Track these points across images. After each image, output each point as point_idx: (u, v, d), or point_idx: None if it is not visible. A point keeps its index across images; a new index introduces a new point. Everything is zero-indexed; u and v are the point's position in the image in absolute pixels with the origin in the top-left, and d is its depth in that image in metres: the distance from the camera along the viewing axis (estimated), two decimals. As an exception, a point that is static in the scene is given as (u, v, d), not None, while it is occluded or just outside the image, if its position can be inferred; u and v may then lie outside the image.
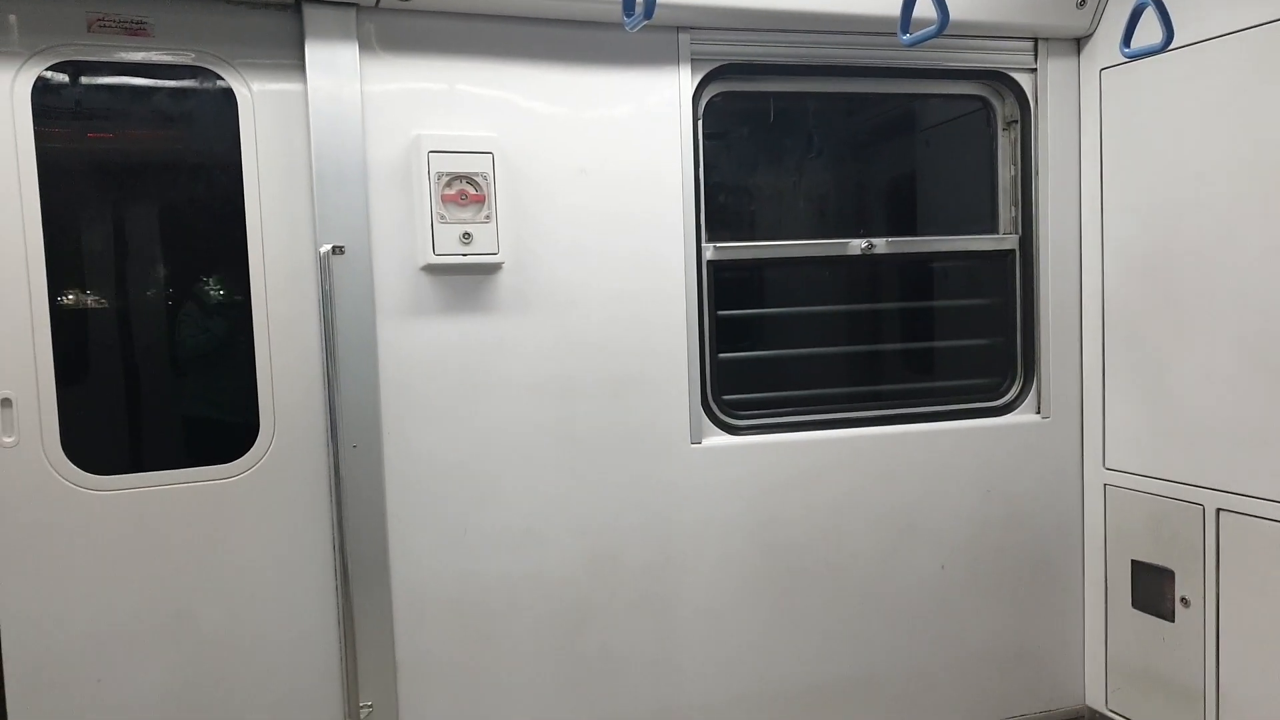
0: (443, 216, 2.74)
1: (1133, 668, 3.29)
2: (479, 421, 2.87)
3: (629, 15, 2.27)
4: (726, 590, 3.15)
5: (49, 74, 2.49)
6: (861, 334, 3.72)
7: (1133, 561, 3.25)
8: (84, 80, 2.59)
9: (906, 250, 3.39)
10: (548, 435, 2.94)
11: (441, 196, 2.73)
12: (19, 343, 2.48)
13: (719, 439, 3.13)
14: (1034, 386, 3.44)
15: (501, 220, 2.80)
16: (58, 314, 2.53)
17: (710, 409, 3.12)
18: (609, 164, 2.94)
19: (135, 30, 2.55)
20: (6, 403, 2.47)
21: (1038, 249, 3.37)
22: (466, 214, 2.76)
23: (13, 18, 2.46)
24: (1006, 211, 3.43)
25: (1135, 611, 3.26)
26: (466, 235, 2.76)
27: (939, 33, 2.34)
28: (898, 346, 3.81)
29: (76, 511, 2.55)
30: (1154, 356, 3.13)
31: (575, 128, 2.91)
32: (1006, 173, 3.42)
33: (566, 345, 2.94)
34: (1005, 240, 3.43)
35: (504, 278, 2.86)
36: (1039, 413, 3.43)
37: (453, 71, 2.79)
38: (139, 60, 2.58)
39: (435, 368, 2.82)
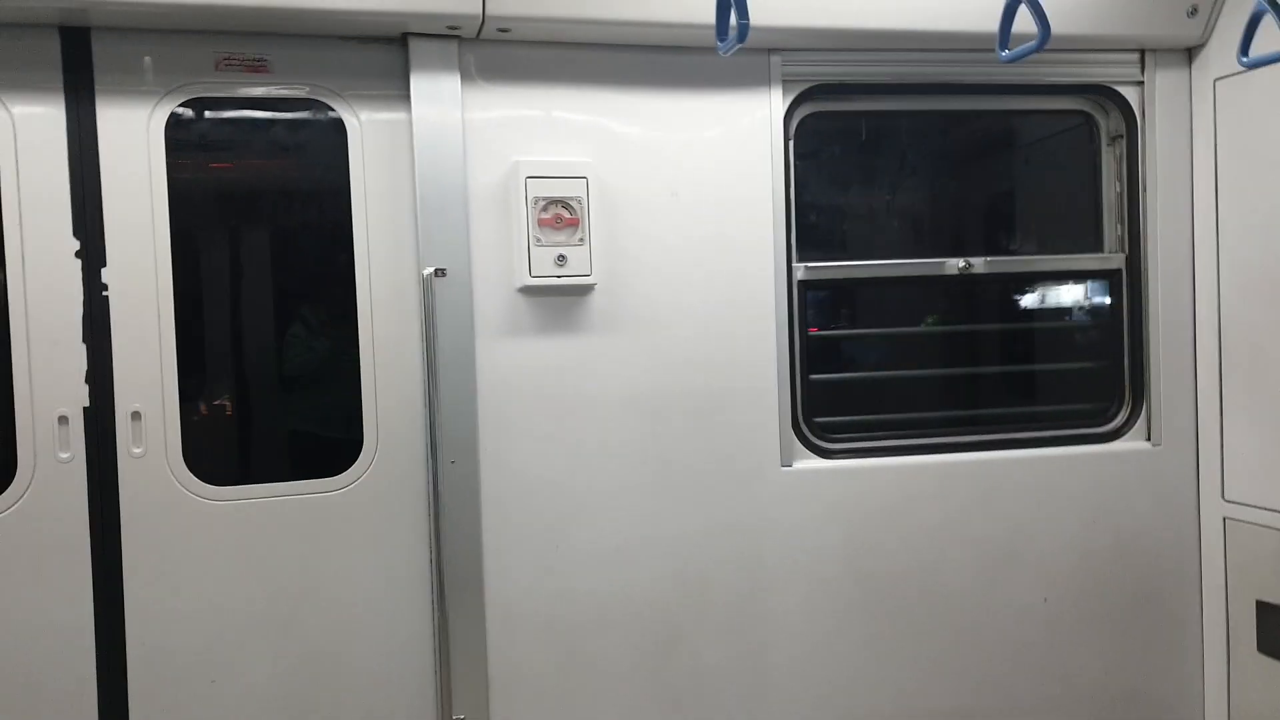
0: (539, 240, 2.82)
1: (1260, 718, 3.08)
2: (570, 440, 2.92)
3: (722, 40, 2.31)
4: (819, 617, 3.10)
5: (180, 110, 2.68)
6: (958, 356, 3.63)
7: (1258, 602, 3.06)
8: (209, 114, 2.77)
9: (1006, 270, 3.31)
10: (637, 455, 2.96)
11: (538, 220, 2.81)
12: (149, 359, 2.65)
13: (810, 462, 3.09)
14: (1144, 412, 3.28)
15: (594, 242, 2.86)
16: (182, 332, 2.69)
17: (801, 431, 3.09)
18: (700, 186, 2.97)
19: (256, 67, 2.72)
20: (136, 415, 2.64)
21: (1146, 268, 3.24)
22: (561, 237, 2.83)
23: (148, 59, 2.66)
24: (1112, 229, 3.31)
25: (1261, 657, 3.05)
26: (561, 258, 2.83)
27: (1040, 48, 2.29)
28: (997, 369, 3.70)
29: (195, 519, 2.69)
30: (1278, 380, 2.96)
31: (667, 151, 2.96)
32: (1111, 189, 3.31)
33: (657, 365, 2.96)
34: (1111, 259, 3.30)
35: (596, 298, 2.92)
36: (1149, 440, 3.28)
37: (549, 99, 2.88)
38: (258, 95, 2.75)
39: (529, 386, 2.88)
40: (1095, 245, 3.33)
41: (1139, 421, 3.29)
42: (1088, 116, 3.31)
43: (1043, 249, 3.44)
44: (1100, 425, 3.32)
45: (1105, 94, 3.24)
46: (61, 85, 2.60)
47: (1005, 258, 3.37)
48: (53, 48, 2.59)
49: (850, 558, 3.10)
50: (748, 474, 3.03)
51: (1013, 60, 2.42)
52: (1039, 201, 3.59)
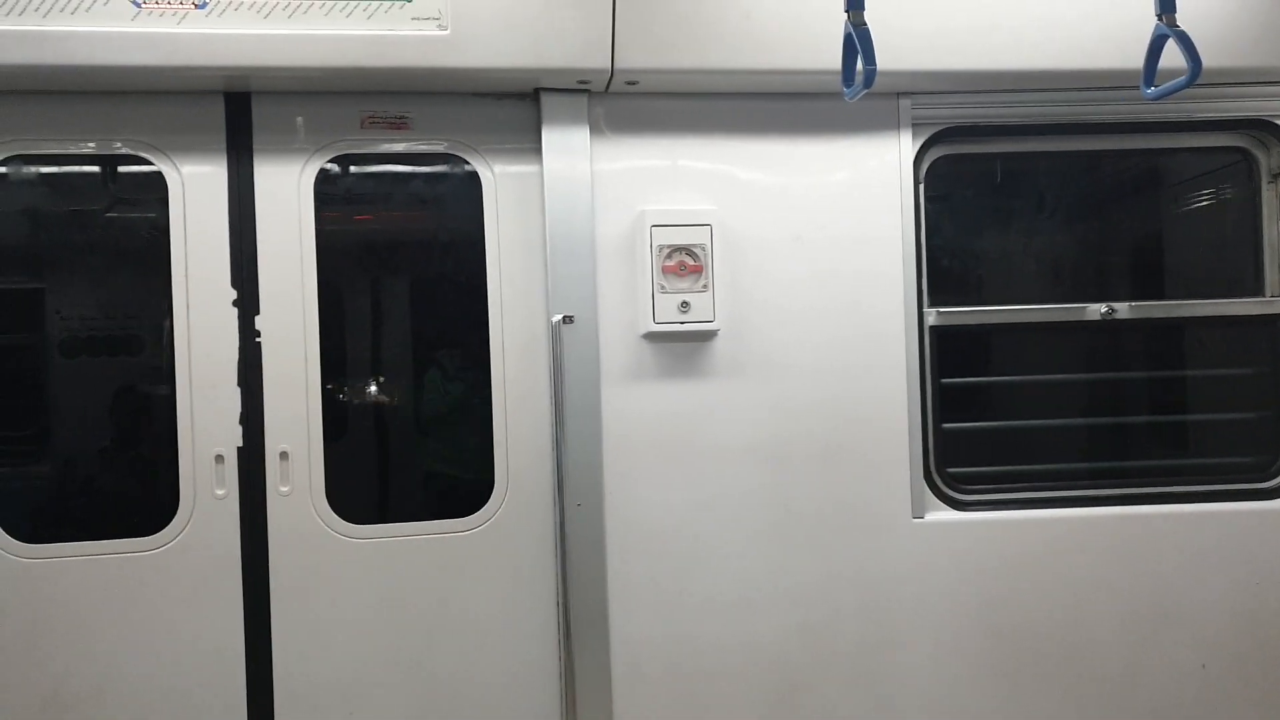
0: (663, 287, 2.85)
1: None
2: (694, 486, 2.91)
3: (849, 86, 2.29)
4: (950, 675, 2.97)
5: (328, 166, 2.85)
6: (1101, 405, 3.45)
7: None
8: (354, 169, 2.93)
9: (1153, 315, 3.13)
10: (761, 503, 2.93)
11: (662, 268, 2.84)
12: (296, 401, 2.80)
13: (943, 514, 2.99)
14: (1311, 467, 3.04)
15: (718, 289, 2.86)
16: (327, 376, 2.83)
17: (934, 482, 2.99)
18: (827, 230, 2.95)
19: (398, 124, 2.86)
20: (284, 455, 2.79)
21: (1313, 312, 3.02)
22: (685, 284, 2.85)
23: (301, 119, 2.84)
24: (1274, 272, 3.10)
25: None
26: (684, 304, 2.85)
27: (1190, 83, 2.19)
28: (1143, 419, 3.49)
29: (336, 555, 2.81)
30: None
31: (792, 196, 2.95)
32: (1273, 229, 3.10)
33: (781, 412, 2.93)
34: (1274, 303, 3.09)
35: (719, 344, 2.92)
36: (1319, 497, 3.03)
37: (675, 148, 2.92)
38: (400, 150, 2.89)
39: (653, 432, 2.90)
40: (1255, 289, 3.12)
41: (1307, 477, 3.05)
42: (1245, 153, 3.12)
43: (1194, 293, 3.24)
44: (1261, 481, 3.09)
45: (1265, 129, 3.05)
46: (224, 146, 2.80)
47: (1153, 303, 3.18)
48: (218, 112, 2.80)
49: (985, 613, 2.97)
50: (876, 524, 2.95)
51: (1159, 97, 2.32)
52: (1190, 243, 3.39)
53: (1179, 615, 3.00)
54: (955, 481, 3.03)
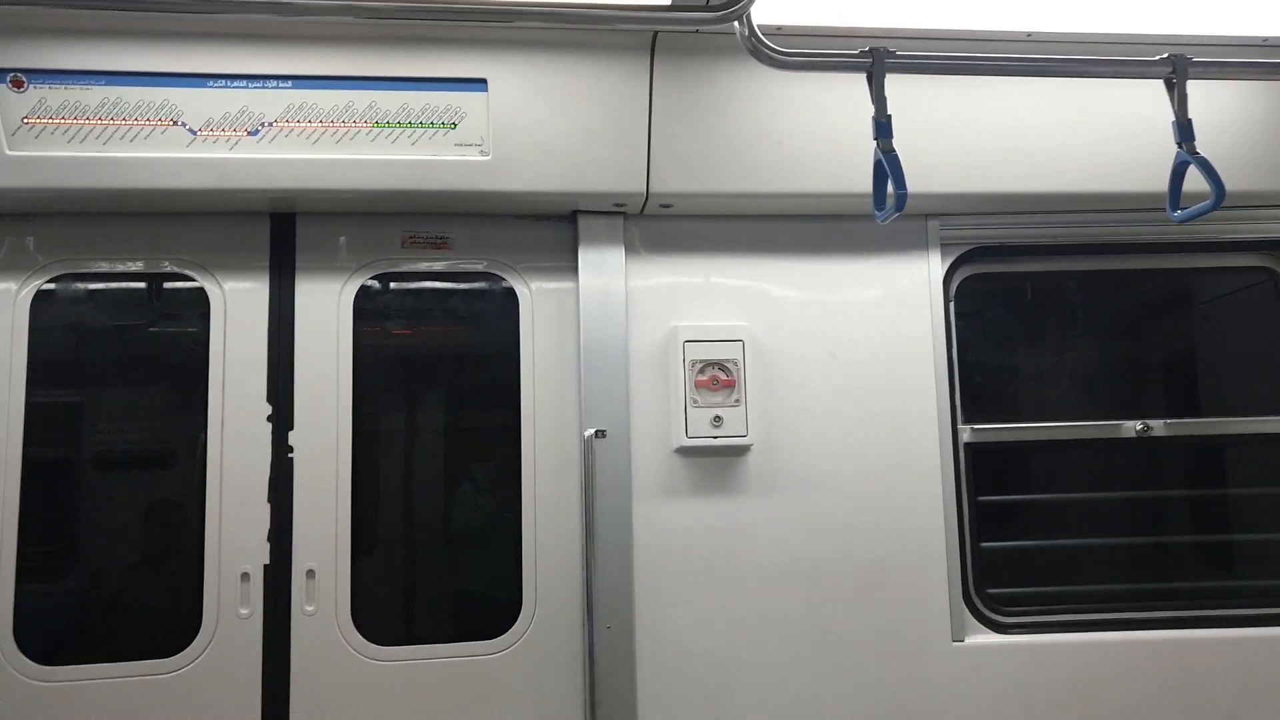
0: (695, 401, 2.85)
1: None
2: (727, 606, 2.84)
3: (879, 209, 2.35)
4: (998, 811, 2.82)
5: (369, 283, 2.91)
6: (1146, 524, 3.37)
7: None
8: (393, 286, 2.98)
9: (1188, 432, 3.10)
10: (796, 624, 2.85)
11: (695, 382, 2.85)
12: (325, 519, 2.77)
13: (984, 637, 2.89)
14: (1366, 589, 2.95)
15: (750, 403, 2.87)
16: (357, 492, 2.81)
17: (973, 603, 2.91)
18: (859, 348, 2.97)
19: (439, 244, 2.94)
20: (311, 574, 2.74)
21: (1350, 430, 2.99)
22: (718, 398, 2.86)
23: (343, 239, 2.91)
24: (1308, 389, 3.09)
25: None
26: (717, 419, 2.85)
27: (1215, 206, 2.24)
28: (1190, 539, 3.41)
29: (360, 677, 2.73)
30: None
31: (824, 313, 2.98)
32: (1303, 347, 3.11)
33: (816, 530, 2.89)
34: (1308, 420, 3.06)
35: (752, 459, 2.90)
36: (1376, 621, 2.93)
37: (708, 266, 2.98)
38: (439, 269, 2.96)
39: (686, 549, 2.85)
40: (1289, 406, 3.10)
41: (1361, 600, 2.95)
42: (1270, 273, 3.16)
43: (1228, 411, 3.23)
44: (1313, 603, 2.99)
45: (1288, 248, 3.10)
46: (268, 264, 2.87)
47: (1188, 420, 3.16)
48: (263, 232, 2.88)
49: (1032, 745, 2.84)
50: (915, 648, 2.85)
51: (1187, 220, 2.37)
52: (1220, 361, 3.39)
53: (1234, 747, 2.86)
54: (995, 603, 2.95)
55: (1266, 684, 2.89)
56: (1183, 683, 2.88)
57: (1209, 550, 3.37)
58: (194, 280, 2.84)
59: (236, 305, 2.83)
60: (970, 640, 2.88)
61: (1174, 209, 2.38)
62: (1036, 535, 3.25)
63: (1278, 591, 3.08)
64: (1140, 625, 2.94)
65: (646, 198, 2.81)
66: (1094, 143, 2.86)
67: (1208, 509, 3.41)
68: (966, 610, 2.90)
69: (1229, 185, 2.23)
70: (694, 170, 2.79)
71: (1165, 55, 2.27)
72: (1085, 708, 2.86)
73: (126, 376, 2.93)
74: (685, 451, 2.86)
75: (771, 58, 2.18)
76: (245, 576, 2.72)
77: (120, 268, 2.86)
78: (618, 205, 2.86)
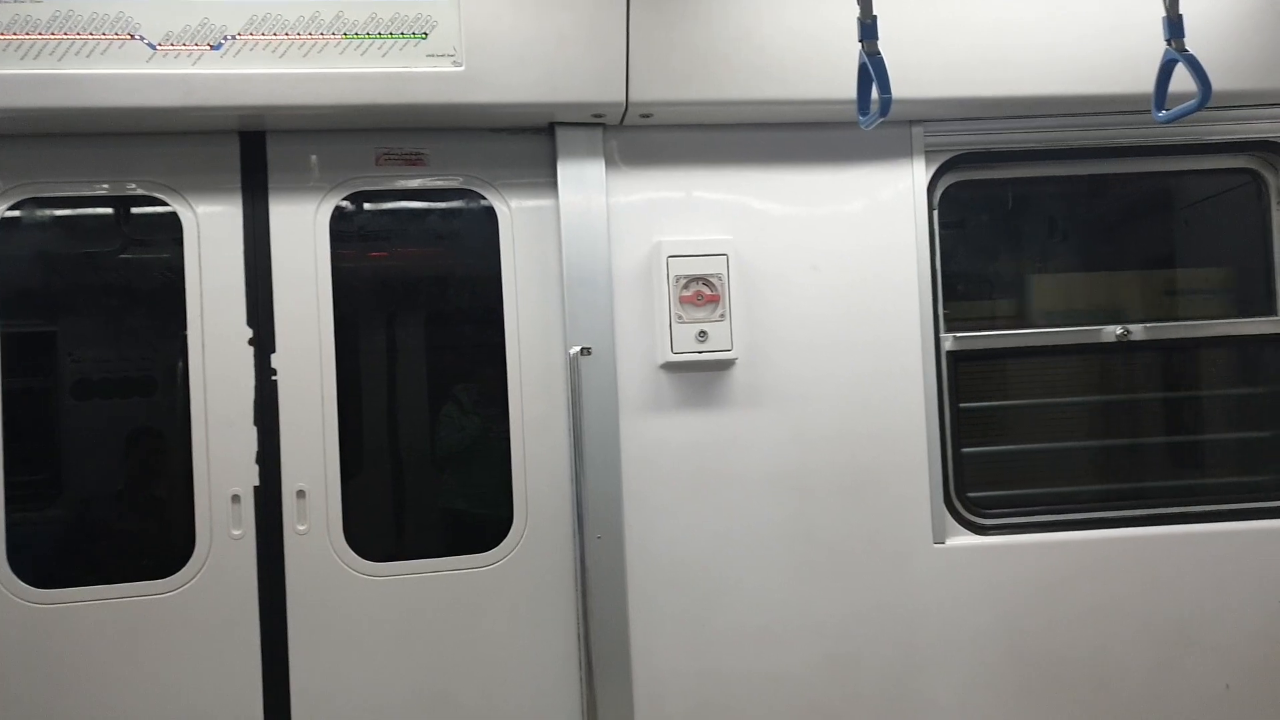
0: (680, 317, 2.84)
1: None
2: (714, 516, 2.90)
3: (864, 114, 2.31)
4: (976, 701, 2.95)
5: (344, 203, 2.84)
6: (1119, 427, 3.45)
7: None
8: (369, 207, 2.92)
9: (1167, 336, 3.15)
10: (783, 532, 2.91)
11: (679, 298, 2.84)
12: (312, 440, 2.77)
13: (964, 539, 2.98)
14: (1331, 484, 3.05)
15: (735, 318, 2.86)
16: (343, 414, 2.81)
17: (954, 507, 2.98)
18: (842, 259, 2.96)
19: (414, 161, 2.87)
20: (301, 494, 2.77)
21: (1327, 330, 3.04)
22: (702, 313, 2.85)
23: (314, 157, 2.84)
24: (1286, 291, 3.13)
25: None
26: (702, 334, 2.85)
27: (1201, 106, 2.22)
28: (1162, 440, 3.50)
29: (354, 593, 2.78)
30: None
31: (807, 225, 2.96)
32: (1285, 249, 3.13)
33: (800, 440, 2.93)
34: (1286, 322, 3.11)
35: (737, 373, 2.91)
36: (1340, 515, 3.04)
37: (690, 180, 2.93)
38: (415, 187, 2.90)
39: (673, 462, 2.89)
40: (1267, 308, 3.14)
41: (1327, 495, 3.05)
42: (1254, 175, 3.15)
43: (1207, 313, 3.27)
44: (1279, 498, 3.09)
45: (1272, 150, 3.09)
46: (239, 185, 2.80)
47: (1166, 323, 3.20)
48: (232, 152, 2.80)
49: (1009, 639, 2.95)
50: (898, 552, 2.94)
51: (1171, 120, 2.35)
52: (1202, 264, 3.42)
53: (1201, 636, 2.99)
54: (975, 506, 3.02)
55: (1232, 576, 3.00)
56: (1151, 577, 2.99)
57: (1179, 451, 3.46)
58: (164, 204, 2.77)
59: (210, 228, 2.77)
60: (951, 542, 2.96)
61: (1159, 109, 2.36)
62: (1015, 440, 3.32)
63: (1241, 488, 3.18)
64: (1112, 524, 3.03)
65: (626, 108, 2.74)
66: (1081, 42, 2.81)
67: (1182, 411, 3.48)
68: (947, 514, 2.97)
69: (1215, 85, 2.20)
70: (674, 78, 2.71)
71: (1156, -53, 2.21)
72: (1060, 603, 2.97)
73: (100, 304, 2.88)
74: (671, 367, 2.87)
75: (753, -43, 2.10)
76: (236, 498, 2.74)
77: (86, 192, 2.78)
78: (596, 116, 2.79)
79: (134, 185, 2.77)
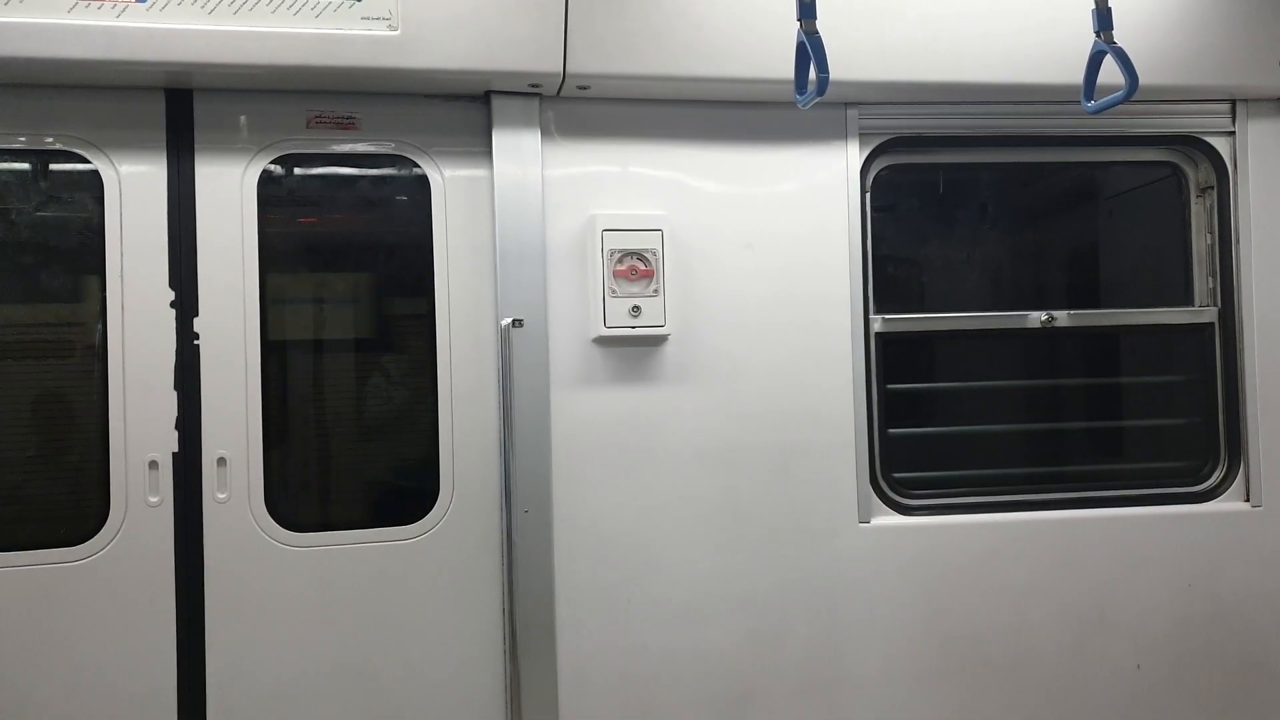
0: (614, 291, 2.84)
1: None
2: (642, 492, 2.90)
3: (801, 94, 2.33)
4: (897, 679, 2.99)
5: (272, 166, 2.79)
6: (1042, 411, 3.54)
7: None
8: (299, 171, 2.87)
9: (1091, 323, 3.22)
10: (710, 508, 2.93)
11: (614, 272, 2.84)
12: (235, 406, 2.72)
13: (889, 519, 3.02)
14: (1240, 471, 3.15)
15: (669, 294, 2.87)
16: (267, 380, 2.76)
17: (880, 487, 3.03)
18: (776, 239, 2.97)
19: (346, 125, 2.82)
20: (222, 461, 2.71)
21: (1241, 321, 3.13)
22: (636, 288, 2.85)
23: (243, 118, 2.77)
24: (1203, 283, 3.21)
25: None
26: (635, 309, 2.85)
27: (1127, 98, 2.28)
28: (1082, 425, 3.59)
29: (275, 564, 2.73)
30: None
31: (742, 204, 2.97)
32: (1202, 242, 3.22)
33: (730, 417, 2.94)
34: (1203, 313, 3.20)
35: (670, 349, 2.92)
36: (1248, 500, 3.14)
37: (626, 154, 2.93)
38: (346, 151, 2.85)
39: (602, 437, 2.88)
40: (1185, 299, 3.23)
41: (1236, 481, 3.15)
42: (1175, 168, 3.24)
43: (1129, 302, 3.35)
44: (1194, 485, 3.19)
45: (1194, 144, 3.17)
46: (164, 144, 2.72)
47: (1090, 311, 3.28)
48: (158, 109, 2.73)
49: (930, 618, 3.01)
50: (824, 530, 2.97)
51: (1098, 111, 2.41)
52: (1124, 254, 3.51)
53: (1115, 618, 3.07)
54: (900, 486, 3.07)
55: (1142, 558, 3.08)
56: (1069, 558, 3.07)
57: (1101, 436, 3.55)
58: (85, 160, 2.69)
59: (132, 187, 2.69)
60: (876, 521, 3.00)
61: (1088, 99, 2.42)
62: (941, 422, 3.38)
63: (1155, 474, 3.27)
64: (1032, 506, 3.10)
65: (563, 79, 2.72)
66: (1012, 33, 2.87)
67: (1103, 397, 3.58)
68: (873, 493, 3.01)
69: (1143, 78, 2.26)
70: (612, 51, 2.71)
71: (1085, -61, 2.26)
72: (980, 583, 3.03)
73: (15, 263, 2.78)
74: (603, 341, 2.86)
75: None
76: (154, 464, 2.67)
77: (1, 145, 2.68)
78: (533, 86, 2.77)
79: (52, 139, 2.68)
